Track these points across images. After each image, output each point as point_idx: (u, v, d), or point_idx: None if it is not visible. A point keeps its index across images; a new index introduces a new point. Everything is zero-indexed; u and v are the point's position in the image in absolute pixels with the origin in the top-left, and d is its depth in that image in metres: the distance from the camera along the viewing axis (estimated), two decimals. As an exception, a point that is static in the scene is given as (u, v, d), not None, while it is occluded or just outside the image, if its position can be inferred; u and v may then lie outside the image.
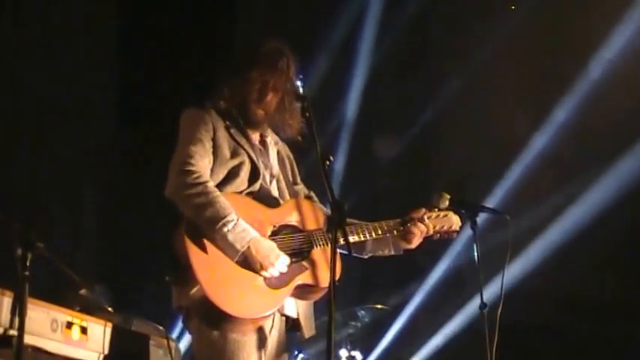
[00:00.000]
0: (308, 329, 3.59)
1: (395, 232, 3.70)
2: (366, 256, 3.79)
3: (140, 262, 6.49)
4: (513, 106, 7.32)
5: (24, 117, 6.42)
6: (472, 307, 6.60)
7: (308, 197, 3.76)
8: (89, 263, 6.54)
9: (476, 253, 3.82)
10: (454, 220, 3.83)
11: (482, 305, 3.81)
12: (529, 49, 7.45)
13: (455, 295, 7.13)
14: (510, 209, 4.54)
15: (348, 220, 3.51)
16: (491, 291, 3.95)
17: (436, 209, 3.80)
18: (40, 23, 6.59)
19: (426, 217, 3.74)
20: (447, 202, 3.83)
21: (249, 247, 3.30)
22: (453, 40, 7.88)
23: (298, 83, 3.55)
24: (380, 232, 3.66)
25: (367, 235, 3.64)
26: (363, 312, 6.20)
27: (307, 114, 3.49)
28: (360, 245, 3.69)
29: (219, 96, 3.61)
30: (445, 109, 7.70)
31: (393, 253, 3.78)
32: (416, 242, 3.74)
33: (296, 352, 5.98)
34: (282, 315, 3.54)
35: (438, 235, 3.81)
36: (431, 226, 3.75)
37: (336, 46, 7.64)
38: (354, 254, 3.50)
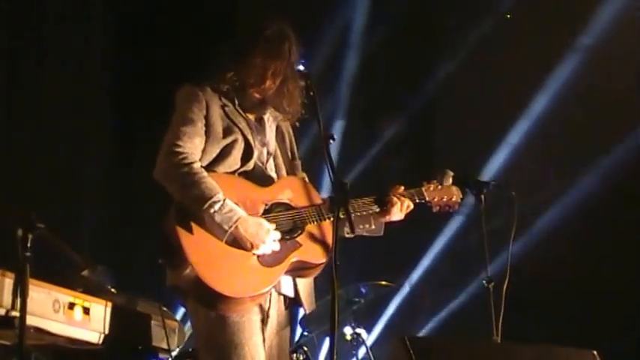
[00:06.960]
0: (309, 305, 3.56)
1: (376, 208, 3.62)
2: (347, 235, 3.63)
3: (143, 243, 6.47)
4: (515, 82, 7.27)
5: (23, 104, 6.41)
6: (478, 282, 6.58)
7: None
8: (91, 244, 6.53)
9: (482, 230, 3.81)
10: (454, 192, 3.78)
11: (488, 279, 3.81)
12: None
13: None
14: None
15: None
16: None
17: (435, 181, 3.76)
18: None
19: (406, 193, 3.66)
20: (451, 179, 3.79)
21: (237, 227, 3.26)
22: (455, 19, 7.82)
23: (301, 67, 3.50)
24: (359, 208, 3.58)
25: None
26: (367, 289, 6.18)
27: (311, 92, 3.47)
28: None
29: (219, 78, 3.54)
30: (447, 86, 7.68)
31: (373, 227, 3.68)
32: (395, 213, 3.63)
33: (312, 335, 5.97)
34: (280, 294, 3.50)
35: (438, 207, 3.75)
36: (409, 201, 3.65)
37: (337, 25, 7.59)
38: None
